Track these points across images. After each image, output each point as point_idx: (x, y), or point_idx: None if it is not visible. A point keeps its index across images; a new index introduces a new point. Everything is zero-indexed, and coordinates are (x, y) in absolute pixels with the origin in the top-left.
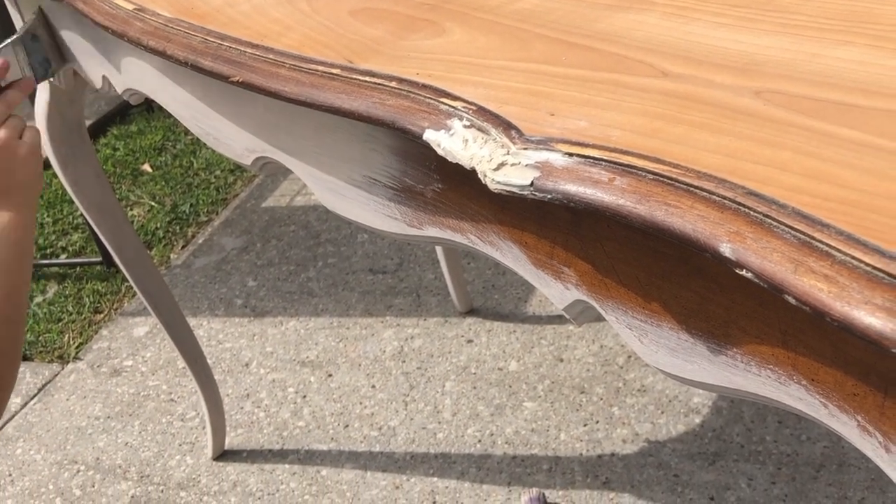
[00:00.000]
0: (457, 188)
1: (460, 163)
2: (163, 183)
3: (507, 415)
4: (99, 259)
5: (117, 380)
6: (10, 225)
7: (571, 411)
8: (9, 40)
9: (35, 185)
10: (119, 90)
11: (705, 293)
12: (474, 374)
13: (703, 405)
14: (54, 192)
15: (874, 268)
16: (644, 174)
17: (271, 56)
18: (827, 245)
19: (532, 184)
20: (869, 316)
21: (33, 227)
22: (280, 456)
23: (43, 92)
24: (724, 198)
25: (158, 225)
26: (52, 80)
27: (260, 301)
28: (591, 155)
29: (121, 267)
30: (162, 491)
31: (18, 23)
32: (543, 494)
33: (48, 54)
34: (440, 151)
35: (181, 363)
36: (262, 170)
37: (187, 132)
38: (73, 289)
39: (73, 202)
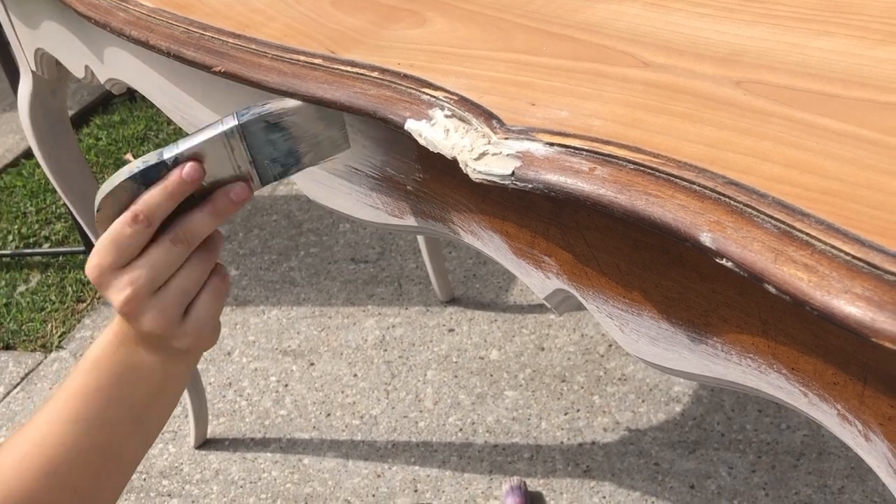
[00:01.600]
0: (438, 178)
1: (442, 153)
2: None
3: (489, 403)
4: (82, 248)
5: None
6: (138, 376)
7: (552, 400)
8: (224, 126)
9: (199, 346)
10: (102, 80)
11: (686, 282)
12: (456, 362)
13: (683, 394)
14: (37, 182)
15: (854, 257)
16: (625, 164)
17: (253, 46)
18: (807, 234)
19: (513, 173)
20: (849, 305)
21: (177, 389)
22: (262, 444)
23: (26, 82)
24: (705, 187)
25: None
26: (41, 74)
27: (242, 290)
28: (572, 145)
29: None
30: (144, 479)
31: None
32: (524, 483)
33: (299, 145)
34: (421, 141)
35: None
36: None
37: (170, 122)
38: (55, 278)
39: (55, 192)
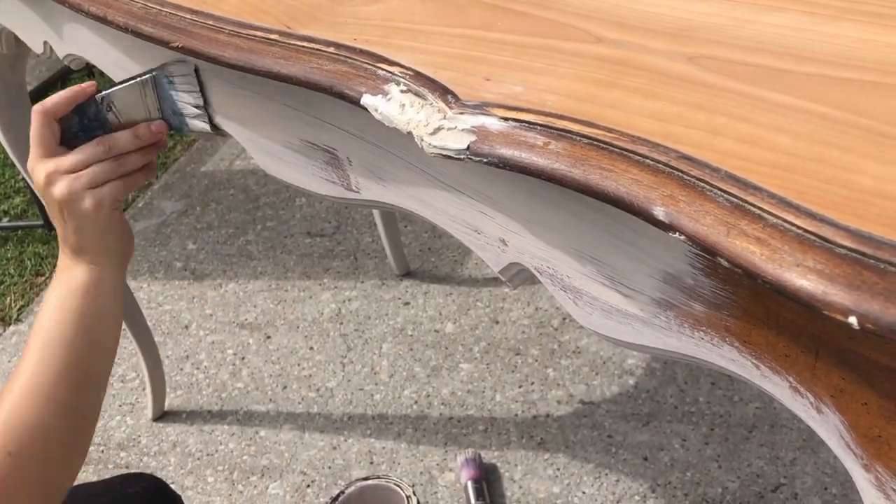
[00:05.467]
0: None
1: (397, 127)
2: None
3: (444, 376)
4: (40, 222)
5: None
6: (77, 290)
7: (507, 373)
8: (138, 77)
9: (114, 247)
10: (60, 55)
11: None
12: (411, 335)
13: (636, 367)
14: None
15: (806, 231)
16: (579, 138)
17: (210, 22)
18: (759, 208)
19: (468, 148)
20: (800, 278)
21: (111, 299)
22: (219, 417)
23: None
24: (658, 162)
25: None
26: (0, 49)
27: (199, 264)
28: (527, 119)
29: None
30: (102, 451)
31: None
32: (479, 455)
33: (184, 106)
34: (377, 116)
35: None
36: (202, 134)
37: None
38: (14, 251)
39: (14, 166)
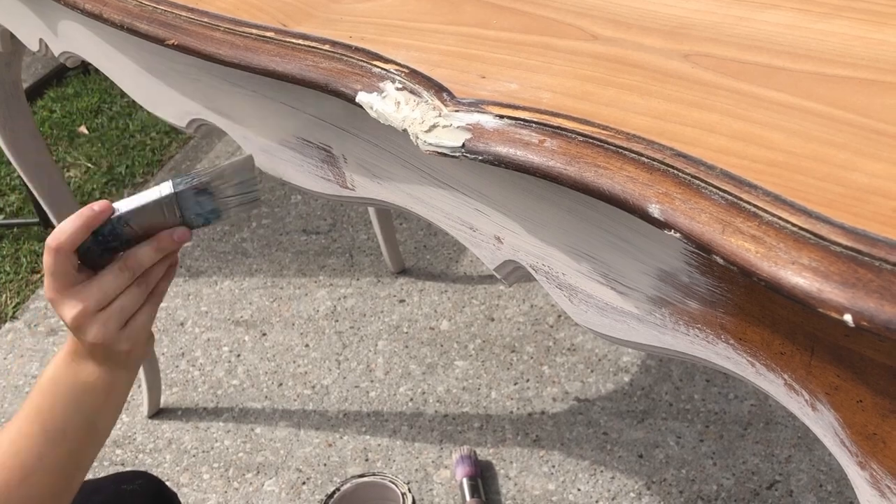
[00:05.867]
0: None
1: (392, 125)
2: (99, 145)
3: (439, 373)
4: (36, 220)
5: (54, 339)
6: (92, 387)
7: (502, 370)
8: (161, 193)
9: (137, 356)
10: (56, 53)
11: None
12: (406, 333)
13: (632, 364)
14: None
15: (801, 228)
16: (574, 136)
17: (206, 19)
18: (754, 206)
19: (463, 145)
20: (796, 276)
21: (123, 398)
22: (214, 414)
23: None
24: (653, 159)
25: (95, 186)
26: None
27: (195, 261)
28: (522, 117)
29: None
30: None
31: None
32: (474, 452)
33: (222, 205)
34: (373, 114)
35: None
36: (197, 132)
37: (123, 95)
38: (10, 249)
39: (10, 164)
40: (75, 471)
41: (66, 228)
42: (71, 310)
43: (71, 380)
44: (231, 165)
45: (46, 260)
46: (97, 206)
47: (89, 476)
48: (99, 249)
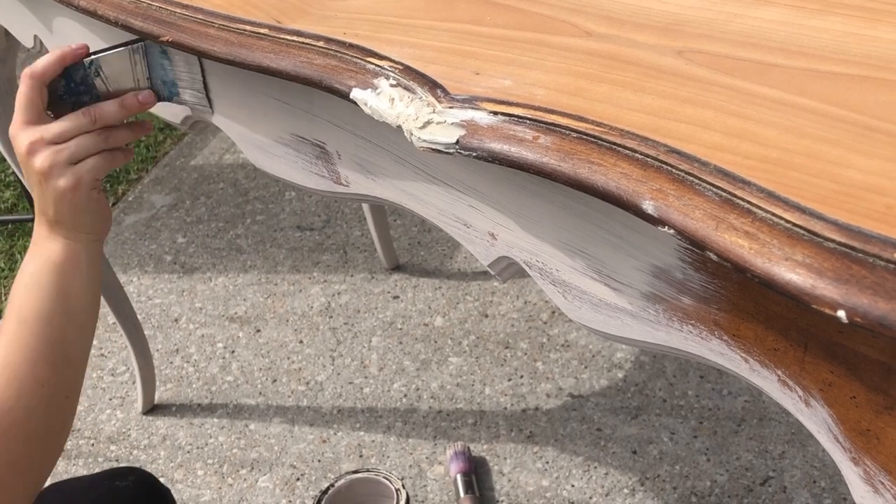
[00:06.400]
0: None
1: (386, 121)
2: None
3: (433, 370)
4: (31, 216)
5: None
6: (54, 265)
7: (496, 366)
8: (128, 45)
9: (91, 224)
10: (50, 49)
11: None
12: (400, 329)
13: (625, 360)
14: None
15: (794, 224)
16: (568, 132)
17: (200, 16)
18: (748, 202)
19: (457, 142)
20: (789, 272)
21: (88, 275)
22: (209, 410)
23: None
24: (647, 156)
25: None
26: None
27: (189, 257)
28: (516, 113)
29: None
30: (92, 445)
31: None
32: (468, 448)
33: (178, 79)
34: (367, 110)
35: (111, 319)
36: (192, 128)
37: None
38: (4, 245)
39: (5, 160)
40: (63, 363)
41: (42, 60)
42: (27, 137)
43: (37, 265)
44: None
45: (21, 90)
46: (74, 44)
47: (83, 473)
48: (70, 100)
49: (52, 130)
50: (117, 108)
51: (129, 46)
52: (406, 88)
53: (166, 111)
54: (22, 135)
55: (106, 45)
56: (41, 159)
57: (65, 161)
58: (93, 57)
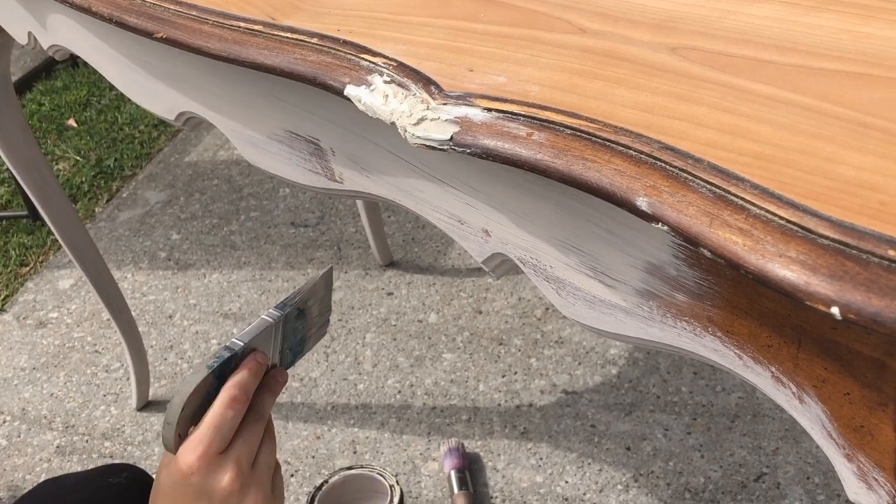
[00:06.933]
0: None
1: (380, 118)
2: (88, 138)
3: (427, 366)
4: (25, 213)
5: (43, 331)
6: None
7: (490, 363)
8: (271, 317)
9: None
10: (44, 46)
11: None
12: (394, 325)
13: (619, 357)
14: None
15: (788, 221)
16: (562, 129)
17: (194, 13)
18: (742, 199)
19: (451, 138)
20: (783, 269)
21: None
22: None
23: None
24: (641, 152)
25: (83, 179)
26: None
27: (183, 254)
28: (510, 110)
29: (46, 220)
30: (87, 441)
31: None
32: (462, 444)
33: (307, 334)
34: (361, 107)
35: (106, 315)
36: (186, 124)
37: (112, 88)
38: None
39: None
40: None
41: (242, 380)
42: (228, 472)
43: None
44: (315, 279)
45: (225, 414)
46: (258, 356)
47: (77, 469)
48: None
49: (244, 456)
50: (272, 398)
51: (273, 321)
52: (400, 85)
53: (157, 105)
54: (217, 472)
55: (102, 51)
56: (253, 496)
57: (249, 473)
58: (242, 343)
